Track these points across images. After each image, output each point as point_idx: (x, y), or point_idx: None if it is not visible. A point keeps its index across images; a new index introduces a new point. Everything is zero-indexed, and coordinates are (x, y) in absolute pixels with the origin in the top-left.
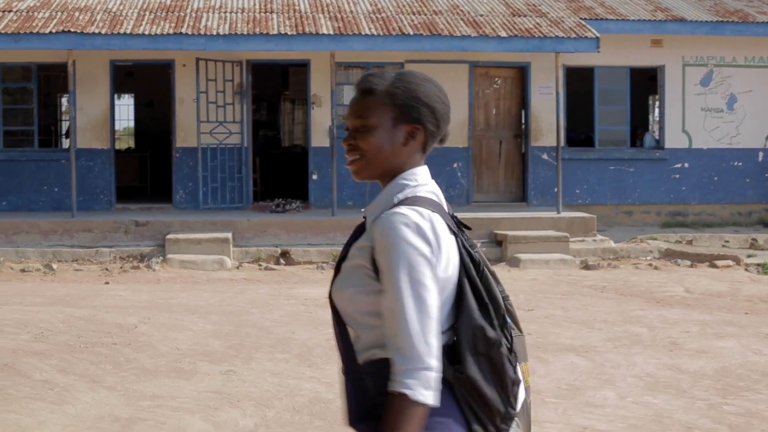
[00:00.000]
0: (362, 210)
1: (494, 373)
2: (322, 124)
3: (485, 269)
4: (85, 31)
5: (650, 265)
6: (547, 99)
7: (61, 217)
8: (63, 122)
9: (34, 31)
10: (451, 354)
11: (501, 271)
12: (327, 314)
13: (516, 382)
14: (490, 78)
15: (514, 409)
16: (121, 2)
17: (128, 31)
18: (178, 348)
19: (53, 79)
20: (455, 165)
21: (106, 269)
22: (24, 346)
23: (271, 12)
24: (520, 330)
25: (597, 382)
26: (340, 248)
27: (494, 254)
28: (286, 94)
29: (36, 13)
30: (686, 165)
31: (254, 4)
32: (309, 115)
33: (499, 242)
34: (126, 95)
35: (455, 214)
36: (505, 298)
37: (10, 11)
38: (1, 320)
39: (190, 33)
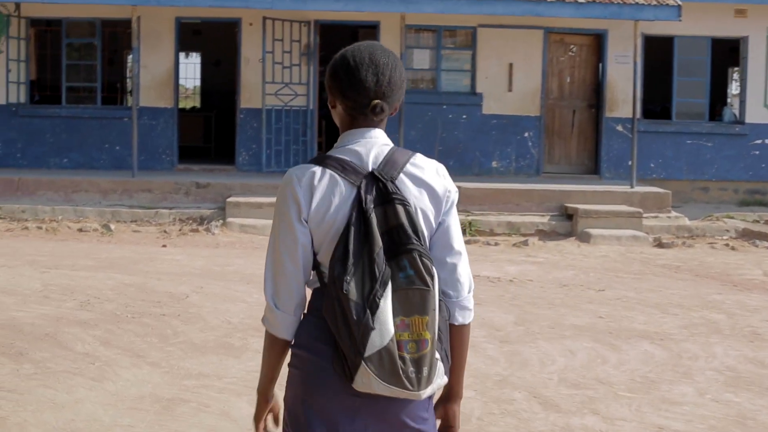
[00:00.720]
0: None
1: (343, 314)
2: None
3: (367, 226)
4: None
5: (727, 245)
6: (624, 68)
7: (122, 177)
8: (129, 80)
9: None
10: (324, 290)
11: (570, 246)
12: None
13: (363, 328)
14: (565, 45)
15: (360, 353)
16: None
17: None
18: (230, 321)
19: (121, 36)
20: (526, 134)
21: (165, 231)
22: (68, 314)
23: None
24: (426, 284)
25: (673, 374)
26: None
27: (564, 228)
28: None
29: None
30: (767, 141)
31: None
32: None
33: (569, 216)
34: (193, 54)
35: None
36: (407, 252)
37: None
38: (48, 285)
39: None
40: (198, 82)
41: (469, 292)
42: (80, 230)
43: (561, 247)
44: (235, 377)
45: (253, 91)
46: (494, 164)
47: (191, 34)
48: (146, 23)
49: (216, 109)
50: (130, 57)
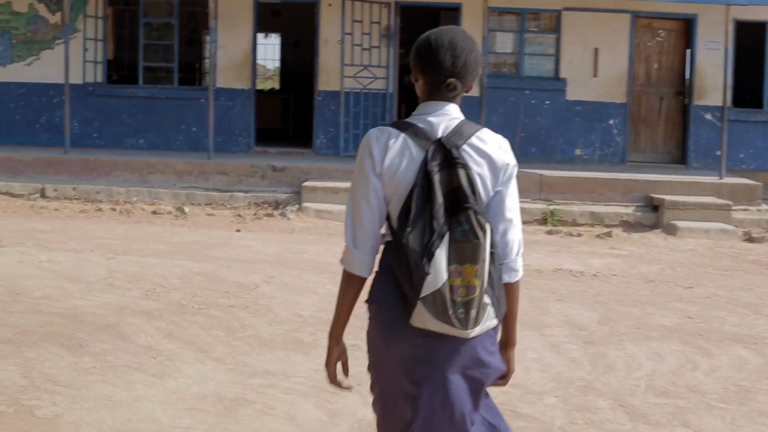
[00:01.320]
0: None
1: (403, 262)
2: None
3: (430, 185)
4: None
5: None
6: (714, 55)
7: (197, 158)
8: (207, 60)
9: None
10: (392, 241)
11: (656, 238)
12: None
13: (420, 272)
14: (653, 30)
15: (417, 294)
16: None
17: None
18: (300, 314)
19: (200, 16)
20: (611, 122)
21: (239, 215)
22: (132, 303)
23: None
24: (477, 238)
25: None
26: None
27: (649, 220)
28: None
29: None
30: None
31: None
32: None
33: (655, 207)
34: (273, 34)
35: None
36: (464, 211)
37: None
38: (114, 272)
39: None
40: (278, 64)
41: (517, 255)
42: (154, 213)
43: (646, 240)
44: (302, 376)
45: (332, 73)
46: (577, 152)
47: (270, 15)
48: (224, 3)
49: (294, 91)
50: (208, 37)
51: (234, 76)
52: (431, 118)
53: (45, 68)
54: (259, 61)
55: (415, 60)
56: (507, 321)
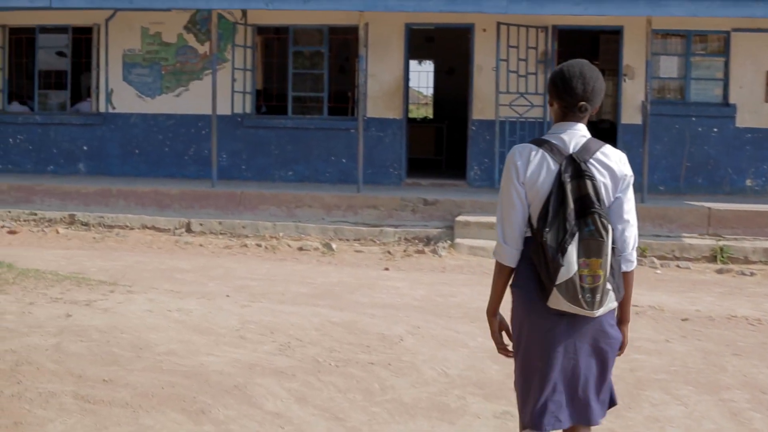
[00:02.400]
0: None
1: (543, 254)
2: (633, 99)
3: (564, 192)
4: None
5: None
6: None
7: (347, 191)
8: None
9: None
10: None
11: None
12: (636, 332)
13: (555, 264)
14: None
15: (552, 282)
16: None
17: None
18: (447, 373)
19: (352, 43)
20: None
21: (388, 252)
22: (264, 360)
23: None
24: (601, 236)
25: None
26: (651, 240)
27: None
28: (596, 63)
29: None
30: None
31: None
32: (619, 88)
33: None
34: (427, 61)
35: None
36: (591, 214)
37: None
38: (247, 322)
39: None
40: (431, 91)
41: (632, 249)
42: (300, 249)
43: None
44: None
45: (486, 101)
46: (748, 182)
47: (424, 41)
48: (374, 30)
49: (448, 120)
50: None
51: (385, 105)
52: (564, 136)
53: (194, 99)
54: (415, 88)
55: (551, 88)
56: (623, 302)
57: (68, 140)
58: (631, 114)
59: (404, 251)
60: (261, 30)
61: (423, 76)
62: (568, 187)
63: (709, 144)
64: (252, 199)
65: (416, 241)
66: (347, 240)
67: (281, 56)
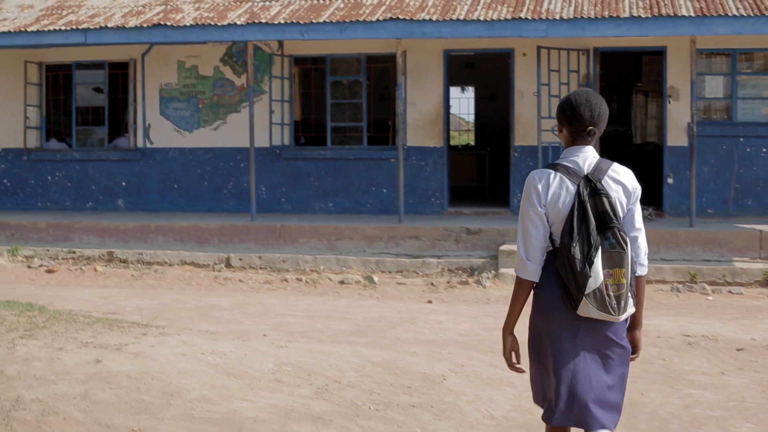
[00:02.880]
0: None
1: (570, 267)
2: (679, 120)
3: (584, 210)
4: (414, 18)
5: None
6: None
7: (388, 222)
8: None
9: (360, 19)
10: (557, 253)
11: None
12: (689, 365)
13: (584, 276)
14: None
15: (581, 291)
16: None
17: (461, 17)
18: (492, 414)
19: (391, 71)
20: None
21: (431, 284)
22: (300, 405)
23: None
24: (622, 248)
25: None
26: (699, 265)
27: None
28: (639, 85)
29: (365, 0)
30: None
31: None
32: (664, 110)
33: None
34: (468, 87)
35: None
36: (610, 228)
37: None
38: (283, 365)
39: (529, 18)
40: (472, 117)
41: (644, 255)
42: (341, 282)
43: None
44: None
45: (528, 127)
46: None
47: (464, 67)
48: (413, 57)
49: (490, 147)
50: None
51: (425, 133)
52: (577, 159)
53: (231, 132)
54: (457, 115)
55: (560, 115)
56: (636, 306)
57: (107, 176)
58: (676, 136)
59: (447, 282)
60: (298, 60)
61: (464, 102)
62: (588, 205)
63: (758, 165)
64: (292, 232)
65: (460, 271)
66: (389, 272)
67: (319, 86)
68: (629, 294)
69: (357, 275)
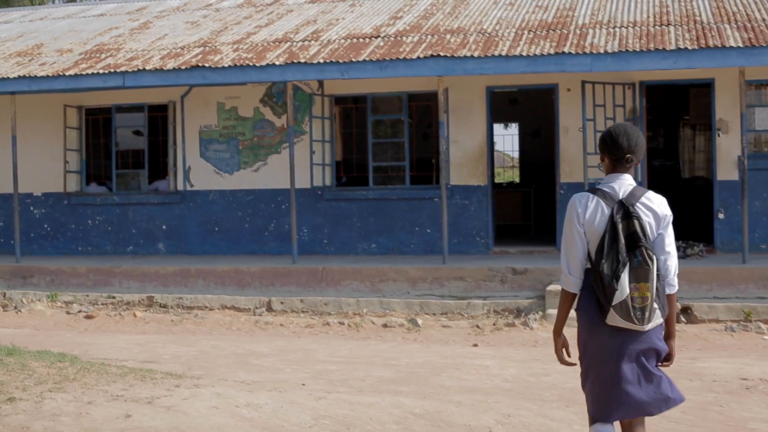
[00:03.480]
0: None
1: (600, 281)
2: (729, 153)
3: (615, 231)
4: (455, 55)
5: None
6: None
7: (431, 263)
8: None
9: (400, 57)
10: (591, 269)
11: None
12: (748, 411)
13: (611, 289)
14: None
15: (609, 303)
16: (498, 21)
17: (503, 53)
18: None
19: (434, 109)
20: None
21: (477, 326)
22: None
23: (668, 24)
24: (648, 265)
25: None
26: (753, 303)
27: None
28: (686, 118)
29: (404, 38)
30: None
31: (648, 17)
32: (713, 143)
33: None
34: (512, 124)
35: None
36: (638, 247)
37: (377, 36)
38: (321, 418)
39: (573, 52)
40: (517, 154)
41: (674, 276)
42: (385, 326)
43: None
44: None
45: (574, 163)
46: None
47: (507, 103)
48: (455, 95)
49: (535, 183)
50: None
51: (469, 171)
52: (614, 185)
53: (272, 173)
54: (501, 151)
55: (602, 146)
56: (668, 320)
57: (147, 220)
58: (727, 170)
59: (493, 324)
60: (338, 100)
61: (508, 139)
62: (620, 226)
63: None
64: (334, 274)
65: (506, 313)
66: (433, 314)
67: (360, 125)
68: (655, 306)
69: (400, 318)
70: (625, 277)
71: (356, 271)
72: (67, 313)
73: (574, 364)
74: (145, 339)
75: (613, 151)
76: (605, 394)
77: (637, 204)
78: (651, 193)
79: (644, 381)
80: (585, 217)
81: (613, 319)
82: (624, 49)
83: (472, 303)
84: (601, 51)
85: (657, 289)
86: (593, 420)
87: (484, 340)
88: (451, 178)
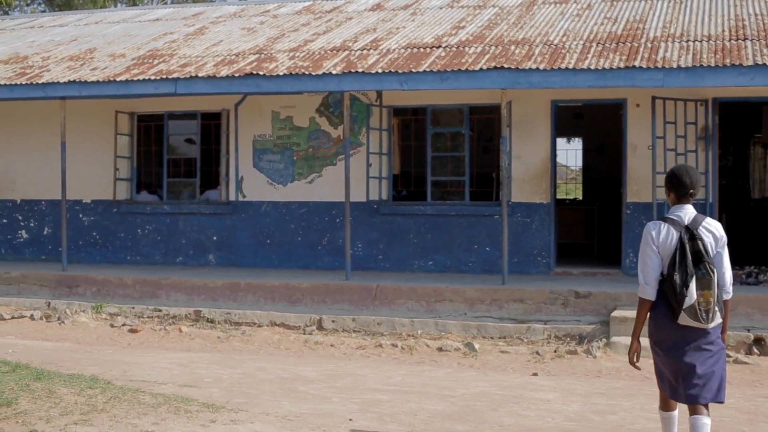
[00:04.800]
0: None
1: (673, 289)
2: None
3: (684, 249)
4: (520, 67)
5: None
6: None
7: (490, 284)
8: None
9: (462, 68)
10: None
11: None
12: None
13: (682, 295)
14: None
15: (680, 307)
16: (565, 33)
17: (570, 66)
18: None
19: (496, 123)
20: None
21: (537, 353)
22: None
23: (744, 39)
24: (710, 276)
25: None
26: None
27: None
28: (758, 136)
29: (467, 48)
30: None
31: (723, 31)
32: None
33: None
34: (575, 139)
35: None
36: (702, 262)
37: (438, 46)
38: None
39: (644, 66)
40: (580, 170)
41: (730, 285)
42: (440, 349)
43: None
44: None
45: (642, 182)
46: None
47: (572, 117)
48: (518, 108)
49: (599, 201)
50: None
51: (531, 188)
52: (680, 214)
53: (327, 186)
54: (561, 163)
55: (668, 183)
56: (724, 319)
57: (197, 230)
58: None
59: (554, 351)
60: (397, 111)
61: (571, 153)
62: (687, 246)
63: None
64: (388, 293)
65: (567, 338)
66: (491, 338)
67: (419, 138)
68: (716, 309)
69: (456, 341)
70: (693, 285)
71: (411, 290)
72: (111, 326)
73: (640, 369)
74: (189, 358)
75: (679, 188)
76: (669, 379)
77: (700, 228)
78: (709, 219)
79: (701, 371)
80: (659, 240)
81: (684, 319)
82: (698, 64)
83: (532, 327)
84: (674, 66)
85: (717, 295)
86: (664, 400)
87: (545, 368)
88: (512, 194)
